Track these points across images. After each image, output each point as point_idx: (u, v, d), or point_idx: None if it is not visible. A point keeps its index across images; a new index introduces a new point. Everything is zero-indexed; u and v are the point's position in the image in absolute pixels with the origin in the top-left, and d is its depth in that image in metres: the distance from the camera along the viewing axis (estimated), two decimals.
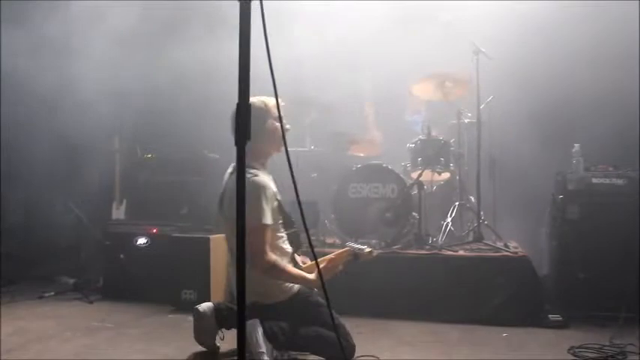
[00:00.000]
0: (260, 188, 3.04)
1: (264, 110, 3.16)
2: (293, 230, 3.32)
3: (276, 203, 3.16)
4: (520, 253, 4.67)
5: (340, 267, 3.24)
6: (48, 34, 5.51)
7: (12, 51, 5.55)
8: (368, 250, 3.27)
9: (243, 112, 1.88)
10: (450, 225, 5.22)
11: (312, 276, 3.14)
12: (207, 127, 5.16)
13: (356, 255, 3.26)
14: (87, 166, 6.14)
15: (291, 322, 3.18)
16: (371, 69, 5.79)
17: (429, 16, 5.68)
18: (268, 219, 3.04)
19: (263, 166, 3.26)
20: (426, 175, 5.30)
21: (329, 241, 5.38)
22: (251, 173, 3.04)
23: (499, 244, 4.95)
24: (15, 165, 5.90)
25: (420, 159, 5.38)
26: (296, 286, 3.25)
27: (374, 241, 5.01)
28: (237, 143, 1.87)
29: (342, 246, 5.05)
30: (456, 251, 4.84)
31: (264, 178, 3.14)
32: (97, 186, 6.31)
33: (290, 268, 3.16)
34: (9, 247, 6.03)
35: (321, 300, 3.18)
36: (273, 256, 3.06)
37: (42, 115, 5.89)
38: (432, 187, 5.60)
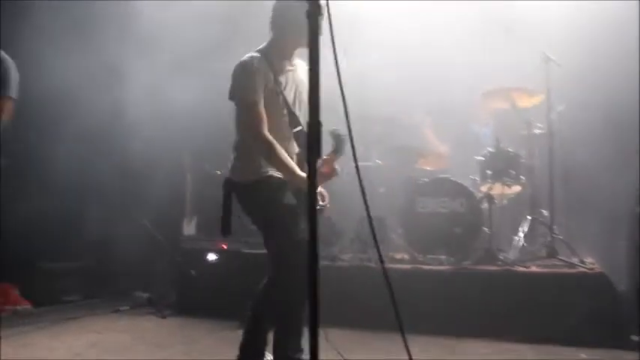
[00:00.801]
0: (247, 67, 3.01)
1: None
2: (298, 129, 3.16)
3: (271, 85, 3.07)
4: (597, 269, 4.48)
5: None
6: (116, 54, 5.74)
7: (88, 69, 5.79)
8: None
9: (314, 130, 1.87)
10: (521, 240, 5.07)
11: (303, 173, 2.98)
12: None
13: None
14: (158, 183, 6.32)
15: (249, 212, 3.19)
16: (437, 80, 5.71)
17: (495, 24, 5.56)
18: (256, 96, 2.98)
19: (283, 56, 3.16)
20: (496, 189, 5.18)
21: (397, 256, 5.33)
22: (251, 55, 3.07)
23: (574, 260, 4.76)
24: (90, 181, 6.13)
25: (489, 172, 5.25)
26: (270, 173, 3.11)
27: (443, 256, 4.92)
28: (308, 160, 1.87)
29: (411, 261, 5.07)
30: (529, 267, 4.69)
31: (258, 59, 3.06)
32: (168, 202, 6.47)
33: (284, 155, 3.02)
34: (86, 262, 6.28)
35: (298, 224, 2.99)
36: (268, 136, 2.98)
37: (116, 132, 6.11)
38: (503, 200, 5.46)
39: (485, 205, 5.06)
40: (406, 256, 5.20)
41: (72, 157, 5.75)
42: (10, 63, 4.19)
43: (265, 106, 3.02)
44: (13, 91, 4.16)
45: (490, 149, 5.33)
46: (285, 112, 3.13)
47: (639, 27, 5.24)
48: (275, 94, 3.09)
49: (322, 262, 3.93)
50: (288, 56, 3.18)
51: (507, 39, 5.43)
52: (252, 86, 2.99)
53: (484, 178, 5.30)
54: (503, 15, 5.51)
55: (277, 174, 3.06)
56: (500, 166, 5.20)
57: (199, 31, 5.49)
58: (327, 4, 1.95)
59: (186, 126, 6.03)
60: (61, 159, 5.72)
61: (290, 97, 3.14)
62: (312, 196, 1.86)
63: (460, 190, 5.11)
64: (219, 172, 5.74)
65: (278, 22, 3.15)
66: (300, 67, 3.24)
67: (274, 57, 3.12)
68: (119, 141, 6.02)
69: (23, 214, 5.37)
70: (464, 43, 5.57)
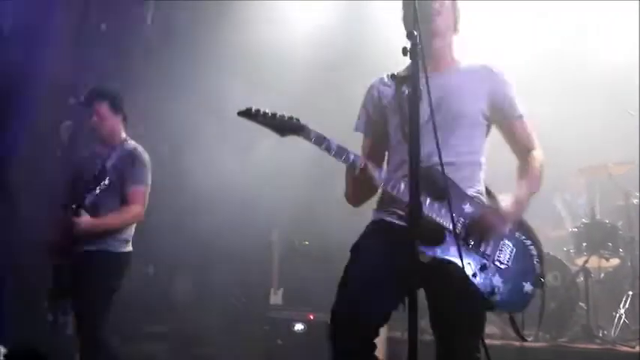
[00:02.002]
0: None
1: None
2: None
3: None
4: None
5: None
6: (208, 130, 6.04)
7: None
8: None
9: (414, 170, 1.86)
10: (623, 317, 4.77)
11: None
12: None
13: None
14: (247, 255, 6.48)
15: None
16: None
17: (586, 95, 5.49)
18: None
19: None
20: (593, 262, 4.97)
21: (488, 331, 5.13)
22: None
23: None
24: (181, 253, 6.35)
25: (584, 244, 5.06)
26: None
27: (540, 332, 4.71)
28: (410, 204, 1.86)
29: (502, 337, 4.87)
30: (633, 347, 4.40)
31: None
32: (256, 273, 6.60)
33: None
34: (177, 326, 6.44)
35: None
36: None
37: (202, 207, 6.33)
38: (600, 274, 5.20)
39: (581, 279, 4.85)
40: (496, 331, 5.01)
41: (164, 225, 5.99)
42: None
43: None
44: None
45: (585, 220, 5.15)
46: None
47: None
48: None
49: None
50: None
51: (605, 107, 5.35)
52: None
53: (579, 250, 5.10)
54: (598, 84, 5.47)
55: None
56: (597, 238, 5.00)
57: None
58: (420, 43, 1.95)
59: (275, 203, 6.19)
60: (154, 227, 5.98)
61: None
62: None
63: (554, 263, 4.92)
64: (306, 243, 5.84)
65: None
66: None
67: None
68: (208, 216, 6.21)
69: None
70: (557, 114, 5.51)
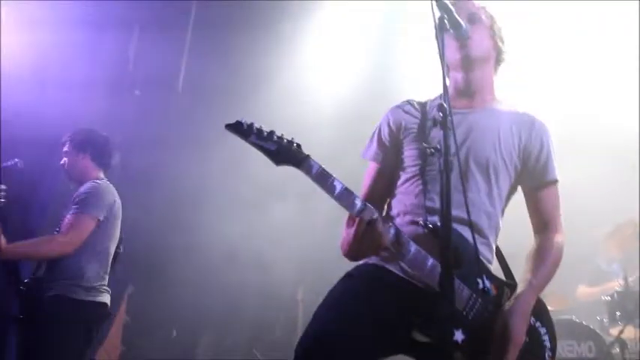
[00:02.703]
0: None
1: None
2: None
3: None
4: None
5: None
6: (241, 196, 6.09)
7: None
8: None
9: (446, 234, 1.73)
10: None
11: None
12: None
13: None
14: (272, 313, 6.43)
15: None
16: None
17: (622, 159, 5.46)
18: None
19: None
20: (629, 332, 4.79)
21: None
22: None
23: None
24: (205, 312, 6.31)
25: (618, 313, 4.90)
26: None
27: None
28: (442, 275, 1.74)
29: None
30: None
31: None
32: (281, 331, 6.53)
33: None
34: None
35: None
36: None
37: (227, 266, 6.31)
38: (637, 345, 5.01)
39: (617, 351, 4.67)
40: None
41: (187, 285, 5.98)
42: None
43: None
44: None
45: (618, 288, 5.01)
46: None
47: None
48: None
49: None
50: None
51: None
52: None
53: (613, 319, 4.93)
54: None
55: None
56: (631, 307, 4.84)
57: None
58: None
59: (300, 262, 6.17)
60: (177, 287, 5.97)
61: None
62: None
63: (587, 333, 4.76)
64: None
65: None
66: None
67: None
68: (232, 275, 6.20)
69: None
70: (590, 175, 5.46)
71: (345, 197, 1.95)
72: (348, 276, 2.22)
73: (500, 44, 2.34)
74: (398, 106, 2.36)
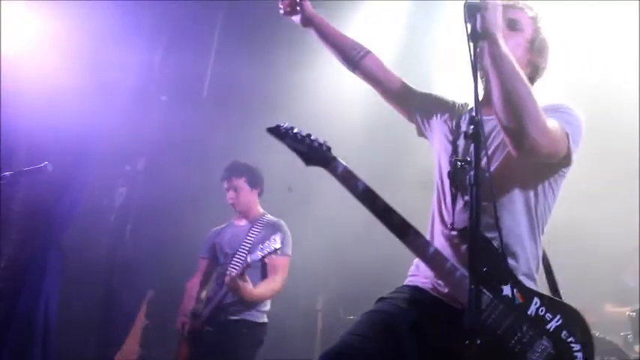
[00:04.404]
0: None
1: None
2: None
3: None
4: None
5: None
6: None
7: None
8: None
9: (473, 244, 1.69)
10: None
11: None
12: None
13: None
14: (290, 325, 6.40)
15: None
16: (587, 231, 5.47)
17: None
18: None
19: None
20: None
21: None
22: None
23: None
24: None
25: None
26: None
27: None
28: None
29: None
30: None
31: None
32: (299, 342, 6.50)
33: None
34: None
35: None
36: None
37: None
38: None
39: None
40: None
41: None
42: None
43: None
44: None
45: None
46: None
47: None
48: None
49: None
50: None
51: None
52: None
53: (637, 336, 4.86)
54: None
55: None
56: None
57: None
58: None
59: (319, 271, 6.15)
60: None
61: None
62: None
63: (611, 349, 4.69)
64: (351, 318, 5.73)
65: None
66: None
67: None
68: None
69: None
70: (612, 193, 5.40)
71: (367, 198, 2.06)
72: (380, 299, 2.29)
73: (537, 59, 2.25)
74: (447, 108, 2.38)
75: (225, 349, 4.07)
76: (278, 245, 3.89)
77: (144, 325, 5.80)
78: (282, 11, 2.48)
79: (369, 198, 2.07)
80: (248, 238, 4.28)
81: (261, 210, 4.52)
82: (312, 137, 2.12)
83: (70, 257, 4.91)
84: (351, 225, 5.20)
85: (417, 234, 2.08)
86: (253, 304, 4.16)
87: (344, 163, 2.10)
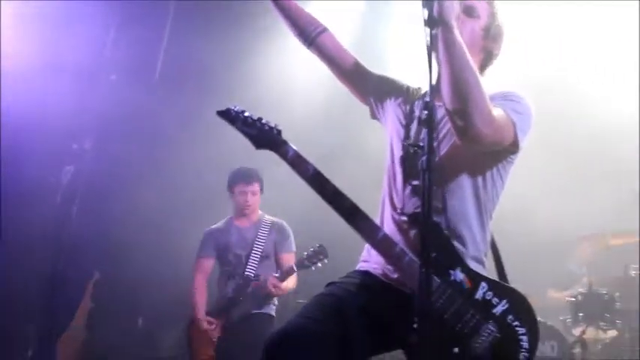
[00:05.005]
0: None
1: None
2: None
3: None
4: None
5: None
6: None
7: None
8: None
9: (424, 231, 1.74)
10: None
11: None
12: None
13: None
14: None
15: None
16: (530, 219, 5.63)
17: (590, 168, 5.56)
18: None
19: None
20: (590, 333, 4.90)
21: None
22: None
23: None
24: (168, 305, 6.24)
25: (581, 314, 5.00)
26: None
27: None
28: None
29: None
30: None
31: None
32: None
33: None
34: None
35: None
36: None
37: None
38: (597, 346, 5.14)
39: (578, 350, 4.77)
40: None
41: (153, 279, 5.91)
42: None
43: None
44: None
45: (582, 290, 5.12)
46: None
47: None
48: None
49: None
50: None
51: (601, 179, 5.39)
52: None
53: (576, 320, 5.05)
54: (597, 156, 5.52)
55: None
56: (594, 309, 4.95)
57: None
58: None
59: None
60: (144, 280, 5.90)
61: None
62: None
63: (551, 333, 4.85)
64: (301, 302, 5.76)
65: None
66: None
67: None
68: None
69: None
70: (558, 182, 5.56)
71: (316, 182, 2.07)
72: (330, 283, 2.28)
73: (491, 45, 2.28)
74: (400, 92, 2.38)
75: (253, 342, 4.11)
76: (294, 247, 4.61)
77: (90, 308, 5.71)
78: None
79: (318, 182, 2.08)
80: (259, 240, 4.57)
81: (260, 211, 4.77)
82: (262, 121, 2.12)
83: (14, 236, 4.77)
84: (302, 210, 5.20)
85: (366, 218, 2.08)
86: (272, 298, 4.50)
87: (294, 147, 2.10)
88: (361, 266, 2.29)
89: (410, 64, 4.14)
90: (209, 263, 4.74)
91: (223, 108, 2.12)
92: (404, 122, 2.28)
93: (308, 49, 2.43)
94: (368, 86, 2.43)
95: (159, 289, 5.91)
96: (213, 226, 4.82)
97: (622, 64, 5.73)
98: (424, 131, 1.74)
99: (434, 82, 1.77)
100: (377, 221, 2.21)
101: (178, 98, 5.99)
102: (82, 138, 5.41)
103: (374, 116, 2.48)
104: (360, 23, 6.08)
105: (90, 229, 5.63)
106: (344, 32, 5.84)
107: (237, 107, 2.13)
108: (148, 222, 5.75)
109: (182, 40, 5.93)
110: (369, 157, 4.86)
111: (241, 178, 4.65)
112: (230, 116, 2.12)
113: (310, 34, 2.38)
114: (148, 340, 6.30)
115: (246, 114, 2.12)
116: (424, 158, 1.71)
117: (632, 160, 5.37)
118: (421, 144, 1.78)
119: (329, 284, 2.28)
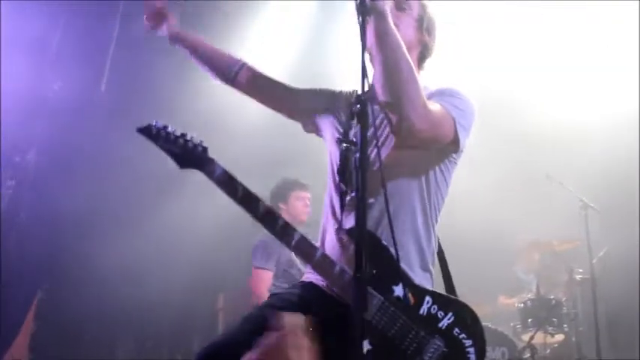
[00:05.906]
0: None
1: None
2: None
3: None
4: None
5: None
6: None
7: None
8: None
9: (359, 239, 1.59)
10: None
11: None
12: None
13: None
14: (190, 326, 6.28)
15: None
16: (479, 228, 5.71)
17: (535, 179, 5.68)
18: None
19: None
20: (539, 337, 5.00)
21: None
22: None
23: None
24: (122, 315, 6.09)
25: (530, 320, 5.11)
26: None
27: None
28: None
29: None
30: None
31: None
32: (201, 338, 6.40)
33: None
34: None
35: None
36: None
37: (153, 264, 6.13)
38: (546, 350, 5.24)
39: (527, 355, 4.86)
40: None
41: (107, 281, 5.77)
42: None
43: None
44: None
45: (530, 296, 5.23)
46: None
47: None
48: None
49: None
50: None
51: (547, 188, 5.51)
52: None
53: (525, 326, 5.15)
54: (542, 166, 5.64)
55: None
56: (542, 315, 5.07)
57: None
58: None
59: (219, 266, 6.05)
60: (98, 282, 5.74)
61: None
62: None
63: (501, 339, 4.92)
64: None
65: None
66: None
67: None
68: (159, 266, 6.00)
69: None
70: (505, 193, 5.65)
71: (247, 201, 1.93)
72: (273, 294, 2.22)
73: (427, 38, 2.23)
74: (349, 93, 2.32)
75: None
76: None
77: (32, 330, 5.49)
78: (147, 27, 2.34)
79: (248, 203, 1.94)
80: None
81: None
82: (187, 137, 1.93)
83: None
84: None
85: (302, 240, 1.97)
86: None
87: (222, 166, 1.95)
88: (306, 277, 2.21)
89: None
90: (269, 276, 4.55)
91: (144, 125, 1.91)
92: (341, 130, 2.20)
93: (231, 87, 2.37)
94: (299, 105, 2.36)
95: (108, 301, 5.74)
96: (264, 237, 4.48)
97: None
98: (358, 127, 1.66)
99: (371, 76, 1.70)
100: (320, 235, 2.15)
101: (125, 113, 5.85)
102: (26, 150, 5.23)
103: (311, 131, 2.42)
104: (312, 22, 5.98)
105: (34, 243, 5.44)
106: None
107: (159, 123, 1.92)
108: (90, 235, 5.59)
109: (129, 48, 5.79)
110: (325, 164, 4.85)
111: (297, 184, 4.64)
112: (151, 134, 1.89)
113: (229, 75, 2.32)
114: (99, 353, 6.11)
115: (169, 129, 1.91)
116: (357, 155, 1.63)
117: (579, 169, 5.52)
118: (354, 139, 1.73)
119: (272, 295, 2.22)
